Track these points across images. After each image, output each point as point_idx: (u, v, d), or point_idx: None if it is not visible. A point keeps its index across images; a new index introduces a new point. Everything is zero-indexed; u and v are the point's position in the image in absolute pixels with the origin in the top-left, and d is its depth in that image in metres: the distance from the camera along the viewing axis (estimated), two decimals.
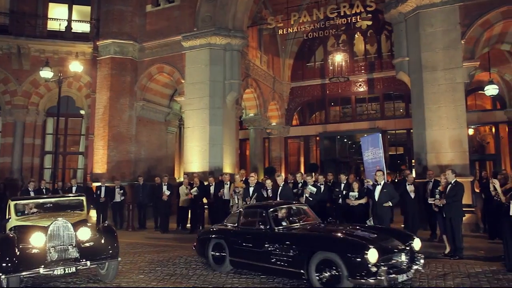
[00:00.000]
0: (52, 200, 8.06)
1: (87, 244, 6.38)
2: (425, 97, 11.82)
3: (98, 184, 13.97)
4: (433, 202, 8.56)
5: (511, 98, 17.48)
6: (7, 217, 7.64)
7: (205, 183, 12.41)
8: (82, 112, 18.26)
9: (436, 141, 11.54)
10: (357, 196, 8.87)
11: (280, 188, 9.47)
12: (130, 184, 14.91)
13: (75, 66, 15.27)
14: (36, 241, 6.09)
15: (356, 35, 22.71)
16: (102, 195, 13.37)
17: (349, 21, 16.99)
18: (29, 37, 16.92)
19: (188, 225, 12.51)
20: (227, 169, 14.54)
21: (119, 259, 6.51)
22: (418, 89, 12.12)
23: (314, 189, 9.08)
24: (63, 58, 16.98)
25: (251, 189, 9.84)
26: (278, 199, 9.07)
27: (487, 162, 19.17)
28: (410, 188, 9.88)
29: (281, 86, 22.66)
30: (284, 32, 18.79)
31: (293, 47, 23.22)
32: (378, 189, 8.23)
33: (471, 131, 18.40)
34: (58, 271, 5.91)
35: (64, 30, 17.63)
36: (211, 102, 14.71)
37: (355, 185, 8.98)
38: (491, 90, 16.11)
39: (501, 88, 17.37)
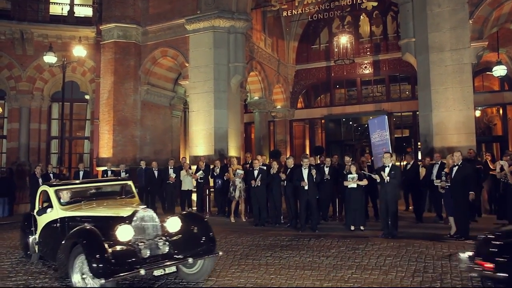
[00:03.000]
0: (97, 185, 7.14)
1: (176, 237, 5.27)
2: (431, 78, 11.70)
3: (104, 168, 14.07)
4: (439, 184, 8.56)
5: None
6: (38, 207, 6.71)
7: (211, 167, 12.44)
8: (87, 97, 18.26)
9: (442, 123, 11.47)
10: (356, 178, 8.84)
11: (289, 170, 9.55)
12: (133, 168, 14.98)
13: (79, 51, 15.22)
14: (124, 235, 4.89)
15: (361, 17, 22.39)
16: None
17: (354, 2, 16.77)
18: (32, 22, 16.84)
19: (194, 208, 12.59)
20: (233, 152, 14.56)
21: (219, 253, 5.46)
22: (424, 71, 12.00)
23: (314, 171, 9.06)
24: (67, 43, 16.90)
25: (255, 172, 9.89)
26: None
27: (493, 144, 19.03)
28: (422, 170, 9.88)
29: (286, 69, 22.49)
30: (289, 14, 18.61)
31: (297, 29, 22.95)
32: (387, 171, 8.21)
33: (478, 113, 18.25)
34: (158, 271, 4.87)
35: (66, 14, 17.50)
36: (215, 85, 14.65)
37: (353, 168, 8.94)
38: (499, 70, 15.92)
39: (510, 69, 17.14)
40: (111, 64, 16.13)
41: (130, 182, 6.99)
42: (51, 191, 6.31)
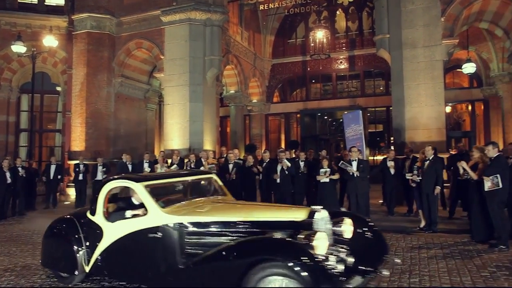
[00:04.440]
0: (186, 179, 5.66)
1: (354, 244, 4.23)
2: (404, 74, 11.89)
3: (76, 162, 13.79)
4: (411, 177, 8.75)
5: (488, 76, 17.76)
6: (103, 210, 4.98)
7: (185, 160, 12.34)
8: (58, 88, 17.79)
9: (414, 118, 11.70)
10: (328, 172, 8.94)
11: (265, 164, 9.58)
12: (110, 162, 14.73)
13: (50, 41, 14.80)
14: (323, 246, 3.74)
15: (337, 12, 22.57)
16: (81, 173, 13.23)
17: None
18: None
19: None
20: (208, 146, 14.48)
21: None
22: (398, 66, 12.18)
23: (288, 164, 9.12)
24: (37, 32, 16.39)
25: (230, 166, 9.88)
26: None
27: (463, 139, 19.59)
28: (390, 164, 10.08)
29: (262, 62, 22.48)
30: (265, 8, 18.57)
31: (274, 23, 22.94)
32: (354, 165, 8.35)
33: (448, 109, 18.72)
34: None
35: (36, 2, 16.97)
36: (191, 78, 14.49)
37: (325, 162, 9.03)
38: (469, 68, 16.36)
39: (478, 66, 17.64)
40: (83, 55, 15.74)
41: (215, 176, 5.79)
42: (140, 188, 4.72)
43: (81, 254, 4.99)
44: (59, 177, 13.57)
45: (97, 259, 4.90)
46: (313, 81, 23.22)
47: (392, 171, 10.06)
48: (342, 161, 9.16)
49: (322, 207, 4.12)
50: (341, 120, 16.71)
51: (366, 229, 4.62)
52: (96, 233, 4.95)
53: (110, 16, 15.91)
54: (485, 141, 16.99)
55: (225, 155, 11.60)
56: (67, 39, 16.41)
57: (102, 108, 15.80)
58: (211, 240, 4.22)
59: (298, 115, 22.88)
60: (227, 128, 22.31)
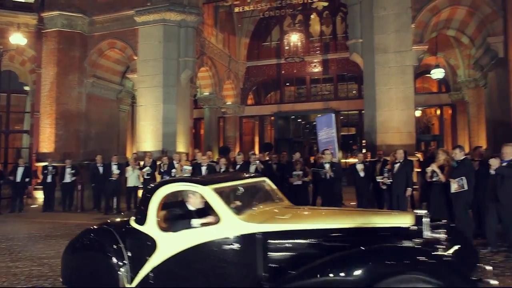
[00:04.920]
0: (247, 182, 4.96)
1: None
2: (376, 78, 12.13)
3: (45, 163, 13.44)
4: (381, 180, 8.92)
5: (455, 82, 18.32)
6: (155, 219, 4.16)
7: (158, 163, 12.21)
8: (27, 88, 17.28)
9: (385, 122, 11.94)
10: (301, 175, 9.03)
11: (239, 166, 9.57)
12: (80, 164, 14.40)
13: (17, 39, 14.38)
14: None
15: (312, 16, 22.82)
16: (50, 175, 12.89)
17: (305, 1, 17.04)
18: None
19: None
20: (181, 148, 14.37)
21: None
22: (370, 71, 12.41)
23: (262, 166, 9.17)
24: (3, 29, 15.85)
25: (203, 168, 9.84)
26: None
27: (431, 142, 20.12)
28: (359, 166, 10.23)
29: (237, 65, 22.48)
30: (241, 10, 18.58)
31: (249, 26, 22.99)
32: (327, 167, 8.45)
33: (418, 113, 19.20)
34: None
35: None
36: (164, 80, 14.36)
37: (298, 165, 9.12)
38: (438, 73, 16.85)
39: (447, 72, 18.17)
40: (54, 54, 15.35)
41: (268, 180, 5.14)
42: (209, 192, 4.03)
43: (123, 270, 4.20)
44: (27, 179, 13.14)
45: (148, 275, 4.10)
46: (287, 84, 23.38)
47: (362, 174, 10.22)
48: (313, 168, 9.31)
49: (426, 211, 3.64)
50: (314, 123, 16.89)
51: (456, 236, 4.08)
52: (145, 245, 4.13)
53: (82, 15, 15.59)
54: (452, 145, 17.51)
55: (198, 158, 11.53)
56: (36, 37, 15.96)
57: (72, 109, 15.45)
58: (300, 252, 3.66)
59: (272, 118, 22.98)
60: (201, 130, 22.19)
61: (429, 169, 7.57)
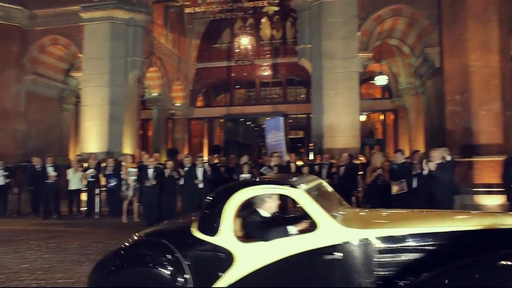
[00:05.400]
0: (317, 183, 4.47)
1: None
2: (323, 83, 12.47)
3: None
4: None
5: (397, 88, 19.20)
6: (232, 226, 3.61)
7: (103, 165, 11.81)
8: None
9: (332, 126, 12.29)
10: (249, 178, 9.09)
11: (188, 168, 9.46)
12: (16, 165, 13.61)
13: None
14: None
15: (262, 20, 23.04)
16: None
17: (256, 5, 17.20)
18: None
19: (83, 208, 11.85)
20: (127, 150, 13.99)
21: None
22: (318, 76, 12.74)
23: (209, 169, 9.15)
24: None
25: (150, 170, 9.65)
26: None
27: (375, 146, 20.95)
28: (304, 169, 10.49)
29: (187, 66, 22.24)
30: (192, 11, 18.40)
31: (200, 27, 22.83)
32: (275, 171, 8.57)
33: (363, 118, 19.92)
34: None
35: None
36: (111, 79, 13.94)
37: (245, 168, 9.18)
38: (381, 80, 17.58)
39: (390, 79, 19.00)
40: None
41: (324, 181, 4.75)
42: (303, 195, 3.58)
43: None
44: None
45: None
46: (237, 86, 23.45)
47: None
48: (263, 167, 9.36)
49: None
50: (263, 125, 17.06)
51: None
52: (218, 259, 3.53)
53: (22, 7, 14.79)
54: (394, 148, 18.30)
55: (144, 159, 11.28)
56: None
57: (9, 107, 14.62)
58: (409, 258, 3.35)
59: (222, 120, 22.94)
60: (149, 132, 21.71)
61: (378, 171, 7.89)
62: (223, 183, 9.74)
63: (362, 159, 11.88)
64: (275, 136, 11.57)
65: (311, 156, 13.34)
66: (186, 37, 22.30)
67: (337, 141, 12.16)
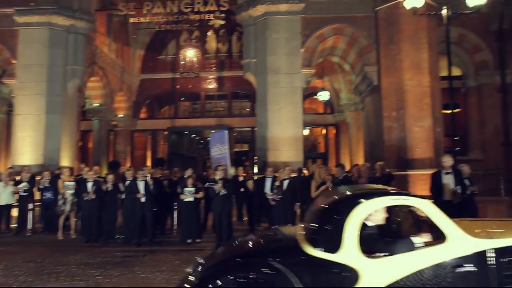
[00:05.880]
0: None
1: None
2: (268, 98, 12.70)
3: None
4: (271, 196, 9.25)
5: (339, 104, 19.94)
6: (355, 244, 3.36)
7: (37, 178, 11.16)
8: None
9: (276, 139, 12.50)
10: (192, 191, 8.99)
11: (129, 182, 9.17)
12: None
13: None
14: None
15: (208, 33, 23.06)
16: None
17: (202, 18, 17.21)
18: None
19: (13, 225, 11.09)
20: (65, 162, 13.34)
21: None
22: (262, 90, 12.95)
23: (151, 182, 8.98)
24: None
25: (89, 184, 9.26)
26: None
27: (317, 159, 21.54)
28: (249, 183, 10.54)
29: (131, 77, 21.71)
30: (136, 21, 18.07)
31: (145, 38, 22.43)
32: (220, 184, 8.54)
33: (306, 132, 20.44)
34: None
35: None
36: (49, 88, 13.31)
37: (189, 181, 9.08)
38: (324, 96, 18.23)
39: (332, 95, 19.71)
40: None
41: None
42: (430, 205, 3.51)
43: None
44: None
45: None
46: (182, 99, 23.23)
47: (251, 189, 10.52)
48: (208, 183, 9.31)
49: None
50: (208, 138, 17.00)
51: None
52: (341, 279, 3.26)
53: None
54: (336, 162, 18.92)
55: (83, 173, 10.82)
56: None
57: None
58: None
59: (166, 133, 22.56)
60: (89, 144, 20.87)
61: (328, 185, 8.07)
62: (166, 197, 9.62)
63: (305, 172, 12.13)
64: (220, 149, 11.54)
65: (255, 169, 13.42)
66: (130, 47, 21.82)
67: (281, 154, 12.38)
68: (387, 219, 3.74)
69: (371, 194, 3.70)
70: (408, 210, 3.97)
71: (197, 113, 23.15)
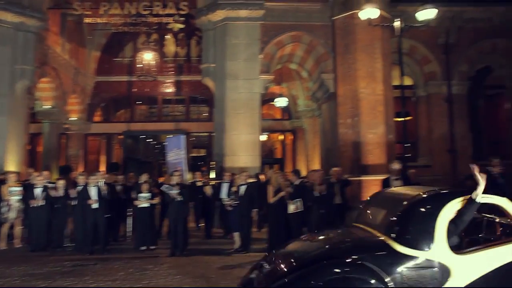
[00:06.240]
0: None
1: None
2: (226, 103, 12.67)
3: None
4: (228, 202, 9.22)
5: (296, 110, 20.22)
6: (445, 242, 3.53)
7: None
8: None
9: (233, 145, 12.48)
10: (149, 197, 8.82)
11: (81, 188, 8.84)
12: None
13: None
14: None
15: (167, 36, 22.75)
16: None
17: (161, 21, 16.98)
18: None
19: None
20: (12, 167, 12.66)
21: None
22: (221, 95, 12.91)
23: (105, 187, 8.73)
24: None
25: (38, 190, 8.85)
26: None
27: (275, 165, 21.70)
28: (206, 188, 10.47)
29: (85, 78, 21.00)
30: (92, 22, 17.54)
31: (101, 39, 21.77)
32: (175, 189, 8.42)
33: (264, 137, 20.57)
34: None
35: None
36: None
37: (144, 187, 8.89)
38: (281, 102, 18.45)
39: (289, 101, 19.97)
40: None
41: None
42: (509, 204, 3.74)
43: None
44: None
45: None
46: (139, 102, 22.76)
47: (208, 195, 10.46)
48: (164, 185, 9.12)
49: None
50: (165, 143, 16.74)
51: None
52: (432, 274, 3.36)
53: None
54: (293, 167, 19.13)
55: (31, 178, 10.32)
56: None
57: None
58: None
59: (121, 137, 21.99)
60: (39, 147, 19.96)
61: (287, 190, 8.11)
62: (120, 203, 9.37)
63: (262, 178, 12.19)
64: (177, 154, 11.39)
65: (212, 175, 13.35)
66: (86, 48, 21.12)
67: (238, 160, 12.36)
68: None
69: (456, 193, 3.81)
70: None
71: (154, 117, 22.74)
